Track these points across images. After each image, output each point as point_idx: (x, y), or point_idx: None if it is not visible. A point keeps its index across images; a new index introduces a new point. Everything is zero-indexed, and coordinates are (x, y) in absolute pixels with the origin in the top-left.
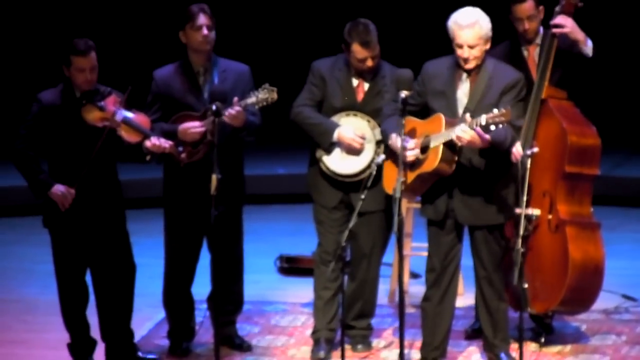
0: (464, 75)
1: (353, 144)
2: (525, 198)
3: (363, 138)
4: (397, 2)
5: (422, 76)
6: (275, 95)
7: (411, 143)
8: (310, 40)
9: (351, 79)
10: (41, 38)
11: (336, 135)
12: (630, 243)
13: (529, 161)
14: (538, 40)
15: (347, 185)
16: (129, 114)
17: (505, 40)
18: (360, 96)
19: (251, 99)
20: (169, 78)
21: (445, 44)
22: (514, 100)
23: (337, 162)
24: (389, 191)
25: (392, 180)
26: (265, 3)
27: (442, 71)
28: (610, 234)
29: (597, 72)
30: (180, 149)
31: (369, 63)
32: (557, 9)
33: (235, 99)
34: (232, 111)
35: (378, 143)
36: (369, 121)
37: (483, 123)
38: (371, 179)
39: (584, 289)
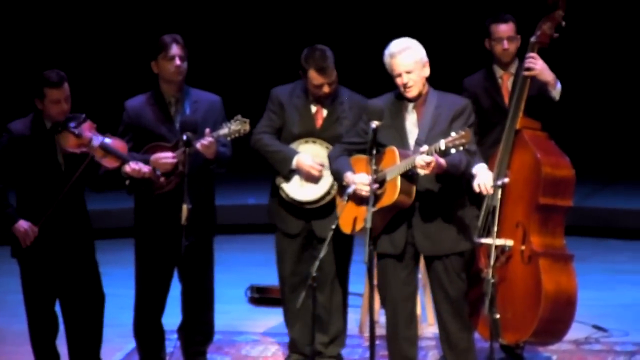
0: (410, 106)
1: (311, 172)
2: (496, 228)
3: (322, 165)
4: (364, 30)
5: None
6: (247, 127)
7: (365, 179)
8: (281, 71)
9: (310, 106)
10: (11, 68)
11: (295, 162)
12: (601, 274)
13: (499, 191)
14: (512, 69)
15: (309, 213)
16: (106, 139)
17: (481, 68)
18: (319, 122)
19: (223, 130)
20: (140, 108)
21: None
22: (465, 125)
23: (296, 189)
24: (346, 231)
25: (348, 220)
26: (237, 34)
27: (387, 106)
28: (581, 265)
29: (569, 103)
30: (159, 172)
31: (326, 89)
32: (532, 39)
33: (207, 130)
34: (204, 142)
35: None
36: (327, 148)
37: (442, 148)
38: (342, 209)
39: (556, 320)
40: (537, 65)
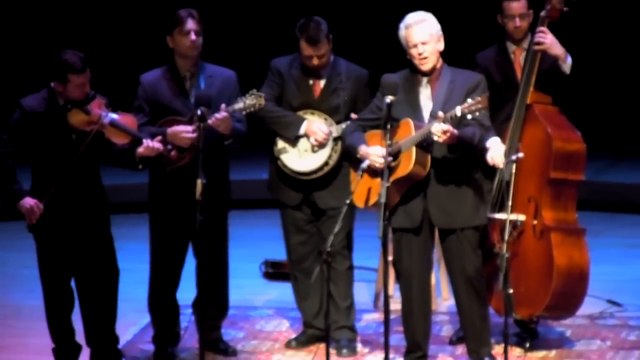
0: (424, 80)
1: (320, 135)
2: (510, 203)
3: (329, 132)
4: (376, 4)
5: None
6: (262, 101)
7: (380, 151)
8: (296, 46)
9: (307, 77)
10: (24, 42)
11: (304, 127)
12: (615, 248)
13: (514, 166)
14: (525, 45)
15: (307, 185)
16: (115, 116)
17: (494, 44)
18: (316, 94)
19: (238, 105)
20: (155, 83)
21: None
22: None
23: (294, 160)
24: (360, 205)
25: (362, 193)
26: (253, 9)
27: (401, 81)
28: (595, 240)
29: (581, 77)
30: (170, 147)
31: (315, 61)
32: (543, 13)
33: (223, 105)
34: (218, 116)
35: (335, 140)
36: (326, 119)
37: (458, 114)
38: (357, 184)
39: (568, 294)
40: (547, 40)
